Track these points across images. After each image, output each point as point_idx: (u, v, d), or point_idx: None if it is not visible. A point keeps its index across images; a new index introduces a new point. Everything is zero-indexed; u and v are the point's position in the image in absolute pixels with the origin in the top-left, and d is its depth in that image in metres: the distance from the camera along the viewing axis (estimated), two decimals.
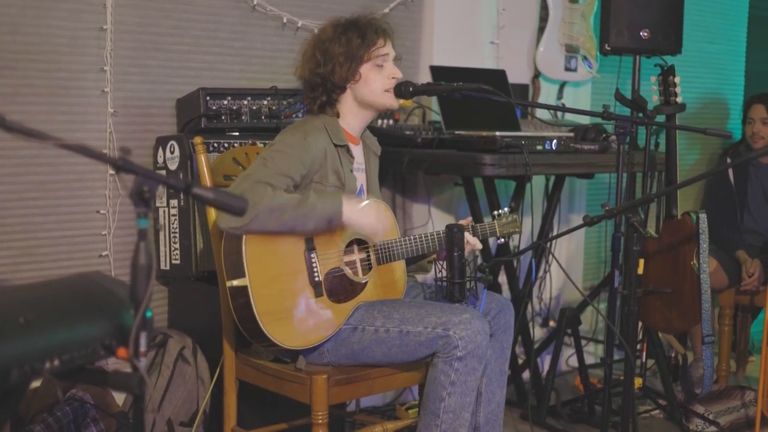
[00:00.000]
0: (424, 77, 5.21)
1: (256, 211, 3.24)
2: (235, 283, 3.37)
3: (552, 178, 5.57)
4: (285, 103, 4.49)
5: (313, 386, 3.41)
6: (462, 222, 3.72)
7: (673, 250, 4.76)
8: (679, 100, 4.82)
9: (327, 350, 3.52)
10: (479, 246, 3.77)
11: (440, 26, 5.42)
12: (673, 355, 5.68)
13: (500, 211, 3.96)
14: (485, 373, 3.67)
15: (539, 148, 4.64)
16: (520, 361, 5.34)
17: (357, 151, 3.74)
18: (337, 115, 3.67)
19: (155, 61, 4.46)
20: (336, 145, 3.59)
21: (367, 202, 3.54)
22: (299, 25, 4.84)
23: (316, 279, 3.47)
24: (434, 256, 3.81)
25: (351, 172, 3.64)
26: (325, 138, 3.56)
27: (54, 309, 2.21)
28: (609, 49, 5.25)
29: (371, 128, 3.89)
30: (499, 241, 4.00)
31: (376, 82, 3.63)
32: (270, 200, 3.29)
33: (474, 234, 3.79)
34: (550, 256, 5.77)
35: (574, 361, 5.64)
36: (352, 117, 3.69)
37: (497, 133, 4.48)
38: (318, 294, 3.46)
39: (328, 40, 3.63)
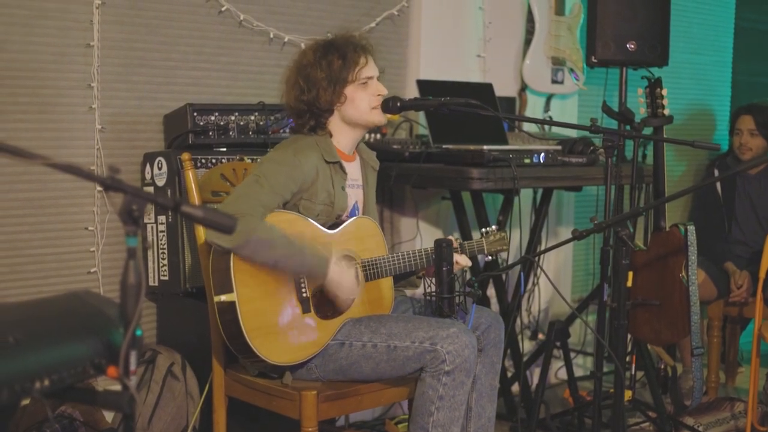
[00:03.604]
0: (411, 91, 5.22)
1: (249, 237, 3.24)
2: (223, 298, 3.36)
3: (540, 191, 5.58)
4: (272, 118, 4.48)
5: (303, 402, 3.40)
6: (449, 239, 3.72)
7: (661, 263, 4.77)
8: (666, 112, 4.82)
9: (315, 366, 3.52)
10: (468, 264, 3.78)
11: (427, 40, 5.42)
12: (662, 367, 5.68)
13: (489, 228, 3.96)
14: (475, 387, 3.67)
15: (527, 161, 4.65)
16: (510, 375, 5.34)
17: (352, 167, 3.73)
18: (330, 135, 3.66)
19: (142, 77, 4.45)
20: (328, 162, 3.59)
21: (351, 270, 3.52)
22: (286, 40, 4.84)
23: (304, 295, 3.46)
24: (423, 272, 3.81)
25: (343, 190, 3.63)
26: (316, 155, 3.55)
27: (43, 328, 2.20)
28: (595, 61, 5.27)
29: None
30: (486, 259, 4.00)
31: (362, 102, 3.63)
32: (265, 232, 3.28)
33: (462, 251, 3.79)
34: (539, 270, 5.77)
35: (563, 374, 5.64)
36: (342, 136, 3.68)
37: (485, 147, 4.48)
38: (305, 310, 3.45)
39: (309, 66, 3.62)
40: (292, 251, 3.32)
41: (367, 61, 3.65)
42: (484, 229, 3.95)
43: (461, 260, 3.72)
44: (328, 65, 3.59)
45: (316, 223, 3.53)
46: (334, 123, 3.66)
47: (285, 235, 3.32)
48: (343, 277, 3.45)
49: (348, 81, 3.60)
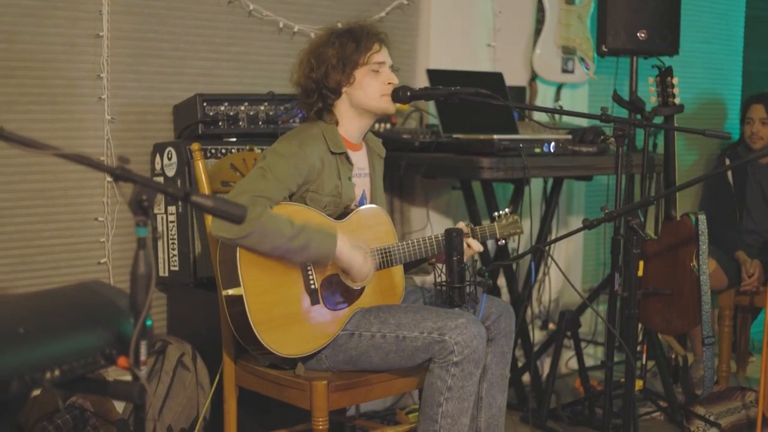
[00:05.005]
0: (421, 81, 5.20)
1: (252, 229, 3.22)
2: (231, 292, 3.36)
3: (550, 181, 5.56)
4: (282, 108, 4.48)
5: (313, 392, 3.40)
6: (459, 225, 3.70)
7: (672, 252, 4.75)
8: (677, 101, 4.81)
9: (325, 356, 3.51)
10: (480, 249, 3.76)
11: (436, 29, 5.41)
12: (673, 356, 5.67)
13: (500, 212, 3.92)
14: (486, 377, 3.67)
15: (537, 150, 4.64)
16: (520, 364, 5.33)
17: (358, 156, 3.72)
18: (336, 123, 3.65)
19: (152, 67, 4.45)
20: (334, 153, 3.58)
21: (360, 245, 3.51)
22: (295, 30, 4.83)
23: (312, 286, 3.45)
24: (434, 259, 3.80)
25: (349, 180, 3.62)
26: (321, 146, 3.54)
27: (54, 319, 2.20)
28: (606, 50, 5.25)
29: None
30: (499, 243, 3.98)
31: (371, 87, 3.60)
32: (267, 221, 3.26)
33: (473, 237, 3.77)
34: (549, 259, 5.76)
35: (574, 364, 5.63)
36: (349, 123, 3.66)
37: (495, 136, 4.47)
38: (314, 301, 3.45)
39: (322, 45, 3.61)
40: (297, 232, 3.31)
41: (380, 49, 3.63)
42: (496, 213, 3.91)
43: (474, 245, 3.71)
44: (341, 46, 3.58)
45: (323, 214, 3.52)
46: (342, 108, 3.64)
47: (288, 226, 3.31)
48: (354, 251, 3.45)
49: (359, 63, 3.58)
